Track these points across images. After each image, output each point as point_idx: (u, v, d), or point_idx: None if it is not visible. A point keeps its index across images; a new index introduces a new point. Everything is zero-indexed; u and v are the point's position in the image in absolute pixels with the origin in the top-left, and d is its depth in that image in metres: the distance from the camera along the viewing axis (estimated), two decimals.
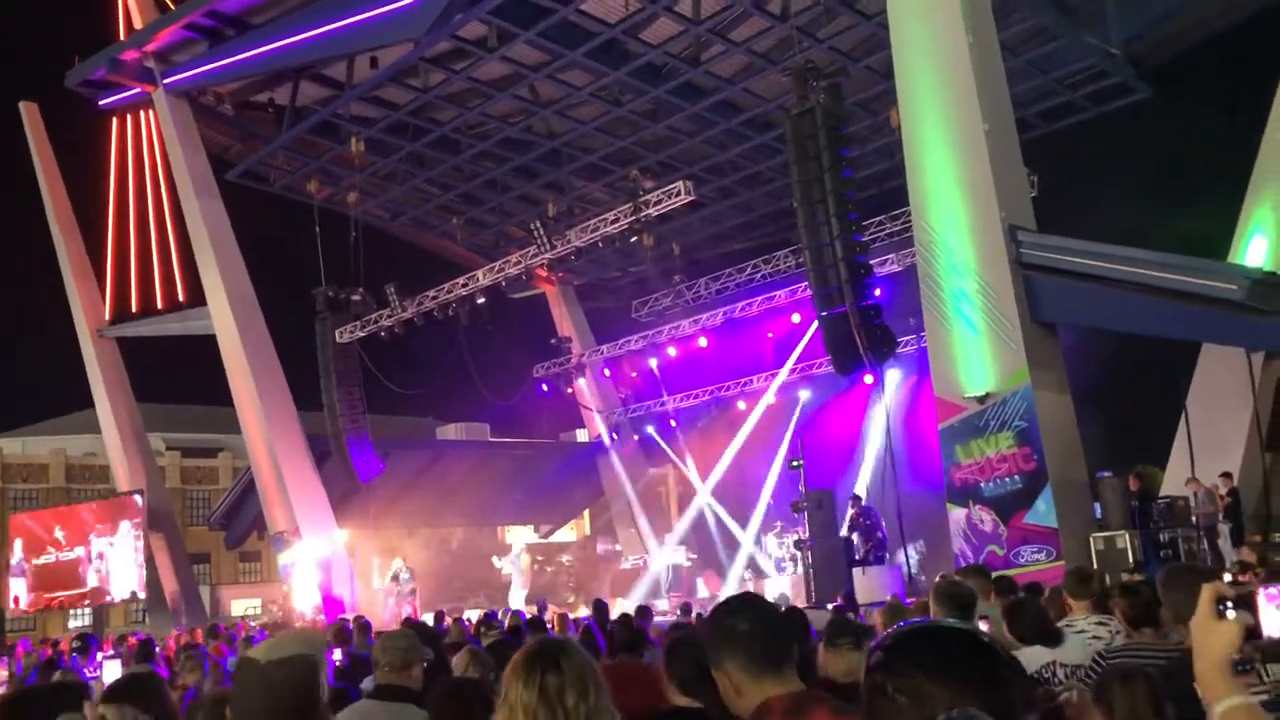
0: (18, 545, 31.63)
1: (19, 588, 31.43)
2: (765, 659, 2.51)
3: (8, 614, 35.28)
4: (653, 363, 29.97)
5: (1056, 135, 25.03)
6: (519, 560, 26.91)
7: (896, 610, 6.30)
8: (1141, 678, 3.33)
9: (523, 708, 2.29)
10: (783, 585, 21.30)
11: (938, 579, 9.09)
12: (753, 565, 26.53)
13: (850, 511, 20.70)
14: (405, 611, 23.62)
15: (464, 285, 25.43)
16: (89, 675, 9.34)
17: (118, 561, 29.75)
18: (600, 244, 23.38)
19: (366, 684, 5.94)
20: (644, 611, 13.28)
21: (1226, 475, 17.52)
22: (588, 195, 29.54)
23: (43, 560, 31.11)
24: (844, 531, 20.09)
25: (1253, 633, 1.70)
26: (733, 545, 29.12)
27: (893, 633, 1.67)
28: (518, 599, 25.66)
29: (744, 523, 28.54)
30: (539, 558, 37.91)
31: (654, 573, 27.17)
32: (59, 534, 30.97)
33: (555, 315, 33.26)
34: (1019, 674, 1.64)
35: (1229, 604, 1.69)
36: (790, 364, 27.34)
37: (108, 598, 30.45)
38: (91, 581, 30.08)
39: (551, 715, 2.27)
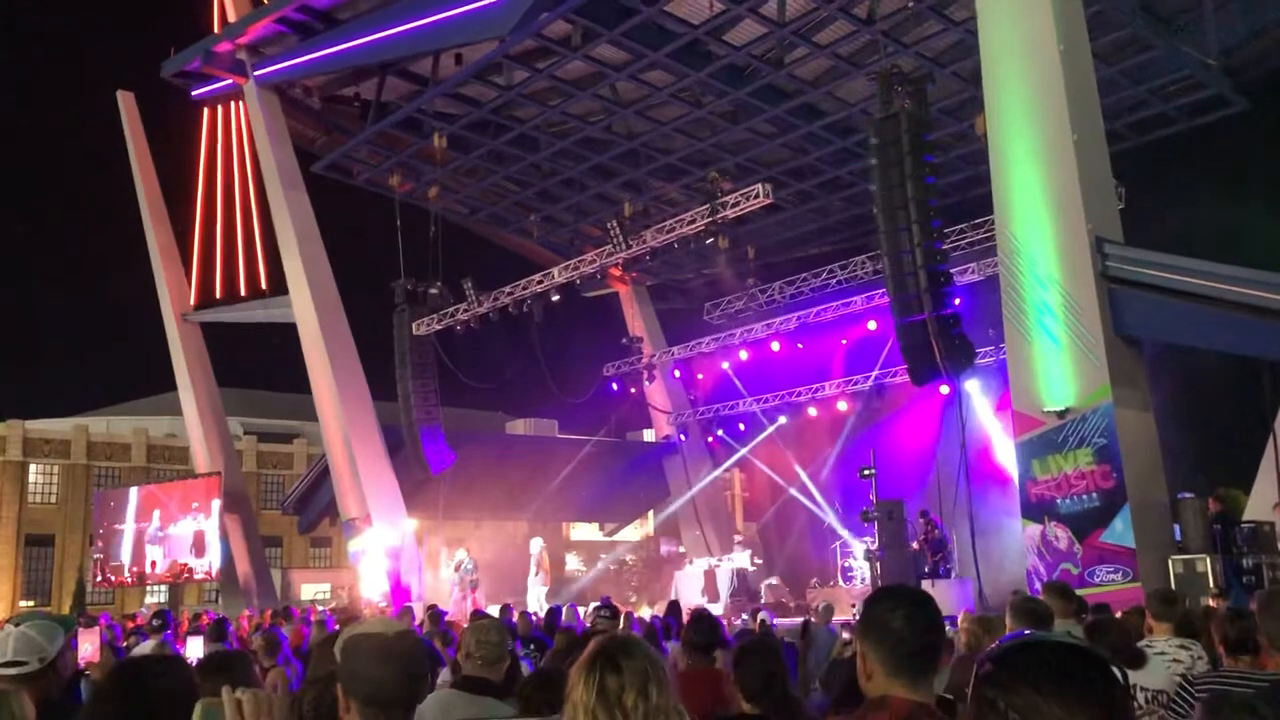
0: (156, 514, 32.46)
1: (156, 554, 32.27)
2: (908, 663, 2.50)
3: (89, 586, 36.41)
4: (725, 365, 29.90)
5: (1147, 147, 24.44)
6: (540, 556, 26.79)
7: (987, 621, 6.21)
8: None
9: (583, 707, 2.30)
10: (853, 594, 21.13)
11: (1012, 595, 8.95)
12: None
13: (921, 524, 20.46)
14: (468, 603, 23.87)
15: (539, 282, 25.63)
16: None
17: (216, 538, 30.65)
18: (675, 245, 23.39)
19: (443, 675, 6.00)
20: (674, 608, 13.29)
21: None
22: (665, 196, 29.58)
23: (173, 530, 31.94)
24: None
25: None
26: (802, 552, 28.92)
27: (1004, 646, 1.65)
28: (537, 595, 25.60)
29: (815, 532, 28.32)
30: (602, 555, 37.99)
31: (717, 575, 27.07)
32: (194, 504, 31.81)
33: (627, 315, 33.33)
34: (1128, 689, 1.61)
35: None
36: (875, 372, 26.92)
37: (210, 571, 31.23)
38: (213, 554, 30.84)
39: (609, 715, 2.28)
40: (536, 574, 26.50)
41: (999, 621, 6.19)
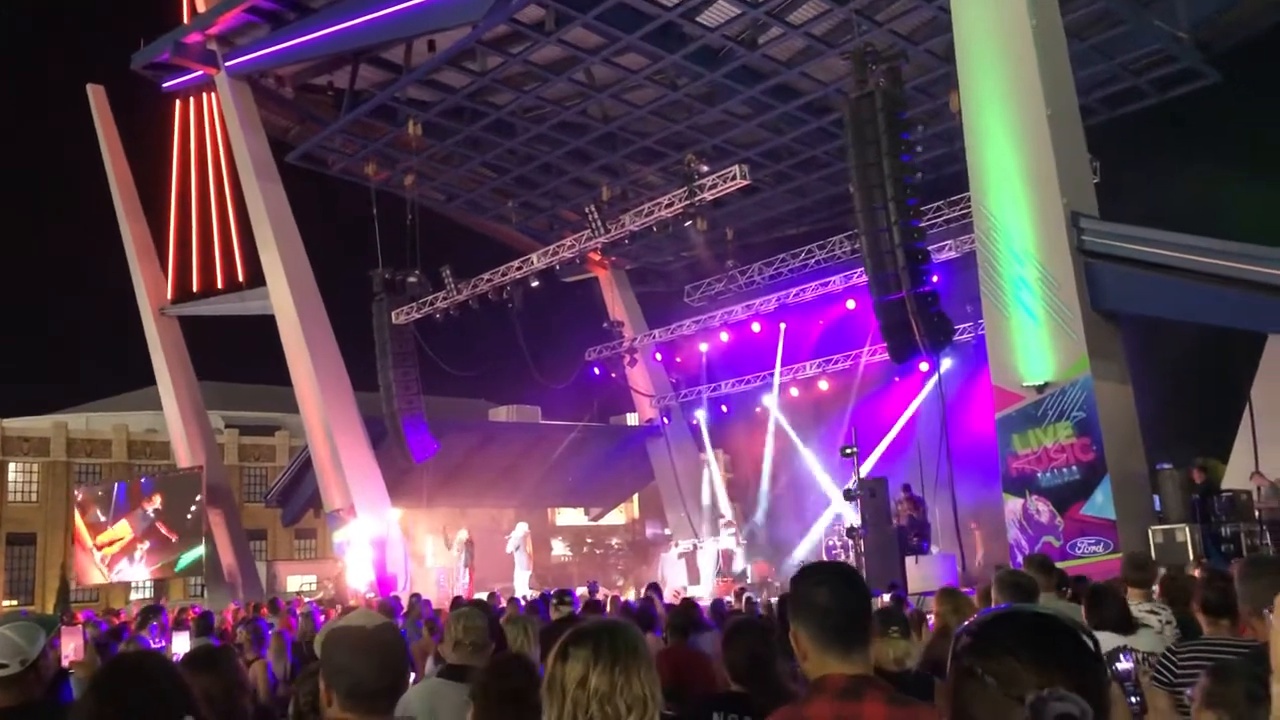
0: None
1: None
2: (836, 636, 2.52)
3: (72, 586, 36.21)
4: (703, 347, 29.90)
5: (1121, 121, 24.56)
6: (523, 542, 26.74)
7: (954, 596, 6.27)
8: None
9: (560, 688, 2.31)
10: None
11: (995, 569, 9.04)
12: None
13: (901, 499, 20.51)
14: (460, 586, 23.92)
15: (518, 268, 25.59)
16: (157, 646, 9.56)
17: None
18: (654, 228, 23.37)
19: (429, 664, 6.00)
20: (654, 588, 13.46)
21: None
22: (642, 179, 29.53)
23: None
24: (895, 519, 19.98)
25: None
26: (786, 531, 29.04)
27: (979, 617, 1.69)
28: (522, 581, 25.62)
29: (799, 511, 28.44)
30: (588, 540, 38.08)
31: (700, 557, 27.16)
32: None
33: (607, 299, 33.31)
34: (1100, 658, 1.65)
35: None
36: (859, 350, 26.95)
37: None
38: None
39: (585, 698, 2.29)
40: (522, 559, 26.53)
41: (965, 599, 6.28)
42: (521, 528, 27.19)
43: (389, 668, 2.44)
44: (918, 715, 2.49)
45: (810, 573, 2.73)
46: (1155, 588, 6.42)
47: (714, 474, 32.30)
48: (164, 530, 30.89)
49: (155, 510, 31.13)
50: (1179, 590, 6.25)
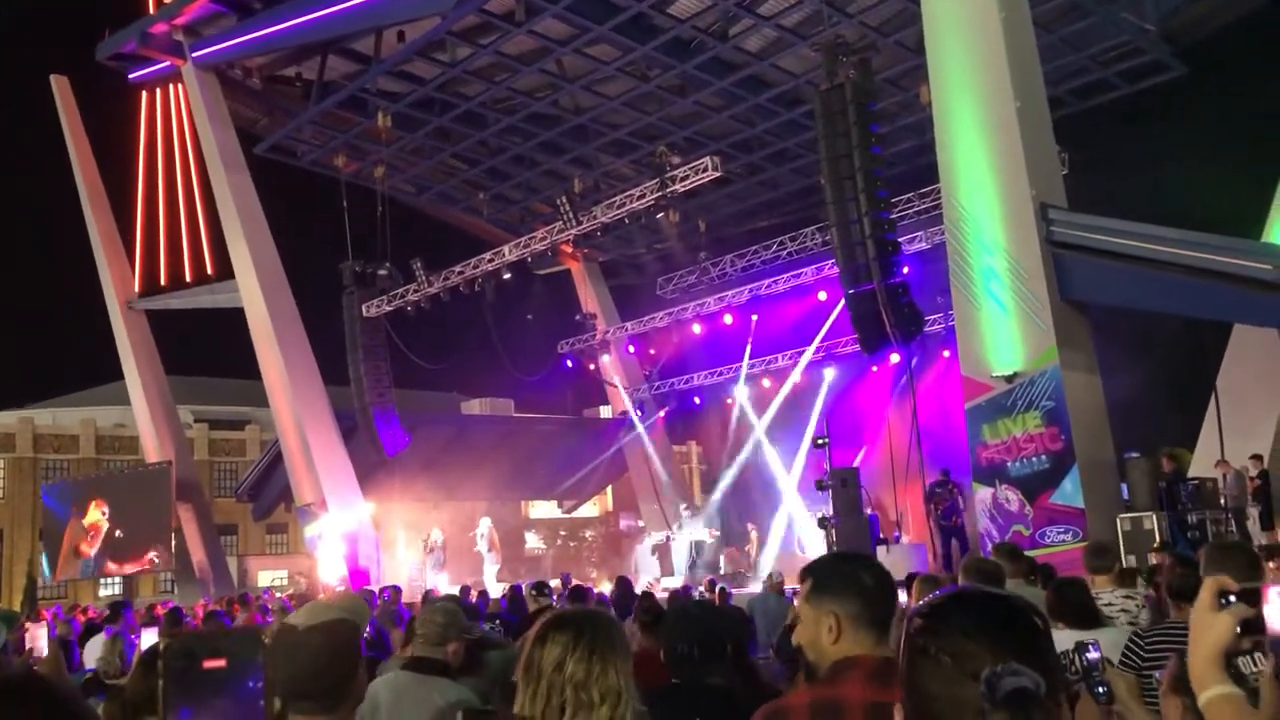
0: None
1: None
2: (876, 618, 2.55)
3: (39, 582, 35.78)
4: (673, 340, 29.92)
5: (1089, 113, 24.76)
6: (489, 535, 26.66)
7: (933, 583, 6.30)
8: None
9: (537, 670, 2.34)
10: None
11: (964, 556, 9.10)
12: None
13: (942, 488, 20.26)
14: (430, 583, 23.84)
15: (490, 261, 25.50)
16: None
17: None
18: (626, 220, 23.35)
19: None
20: (621, 583, 13.52)
21: (1257, 458, 17.34)
22: (614, 171, 29.48)
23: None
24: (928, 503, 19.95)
25: (1255, 626, 1.70)
26: (757, 521, 29.13)
27: (929, 600, 1.70)
28: (491, 576, 25.58)
29: (769, 500, 28.51)
30: (562, 532, 38.08)
31: (673, 548, 27.20)
32: None
33: (580, 292, 33.28)
34: (1050, 634, 1.67)
35: (1231, 598, 1.69)
36: (816, 343, 27.08)
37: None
38: None
39: (561, 682, 2.30)
40: (489, 553, 26.50)
41: (945, 582, 6.30)
42: (485, 522, 27.06)
43: (319, 671, 2.33)
44: None
45: (849, 557, 2.83)
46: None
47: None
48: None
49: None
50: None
